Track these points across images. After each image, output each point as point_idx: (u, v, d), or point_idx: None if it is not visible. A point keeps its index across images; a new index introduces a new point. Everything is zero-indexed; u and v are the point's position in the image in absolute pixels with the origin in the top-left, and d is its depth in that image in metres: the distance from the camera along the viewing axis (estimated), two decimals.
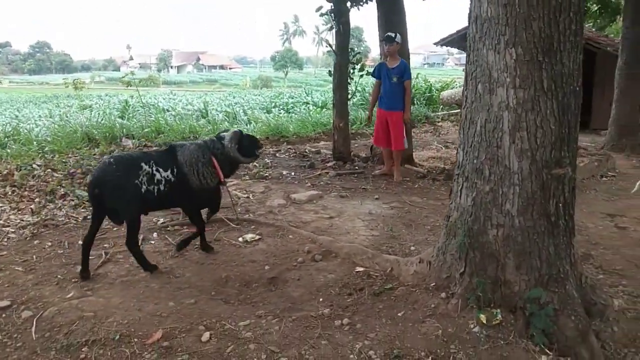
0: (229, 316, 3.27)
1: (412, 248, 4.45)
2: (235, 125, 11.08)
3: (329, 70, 7.86)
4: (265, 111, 17.28)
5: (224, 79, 69.31)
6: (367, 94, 16.18)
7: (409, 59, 7.75)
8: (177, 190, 3.94)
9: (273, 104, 20.06)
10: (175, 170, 3.90)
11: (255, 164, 7.61)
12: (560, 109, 2.77)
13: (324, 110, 15.44)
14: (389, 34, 6.78)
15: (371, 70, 8.32)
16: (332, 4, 7.22)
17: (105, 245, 4.50)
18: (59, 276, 3.87)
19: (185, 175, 3.93)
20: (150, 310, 3.34)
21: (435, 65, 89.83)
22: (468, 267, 3.07)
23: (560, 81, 2.75)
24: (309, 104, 19.71)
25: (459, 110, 15.54)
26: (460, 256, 3.13)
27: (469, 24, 3.04)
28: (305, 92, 23.53)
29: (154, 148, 7.71)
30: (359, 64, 8.05)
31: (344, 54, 7.48)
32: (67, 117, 13.66)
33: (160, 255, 4.29)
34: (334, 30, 7.44)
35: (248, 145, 4.37)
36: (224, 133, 4.29)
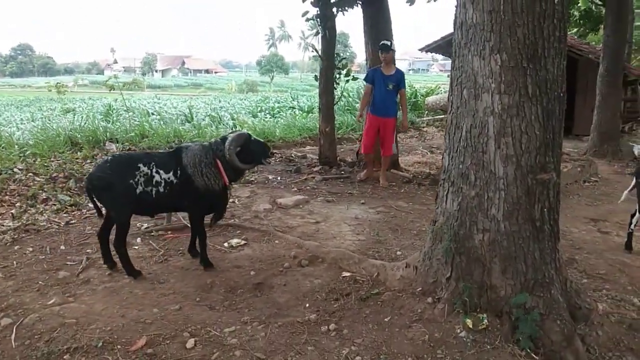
0: (214, 322, 3.24)
1: (399, 253, 4.45)
2: (222, 130, 11.01)
3: (315, 75, 7.87)
4: (251, 115, 17.25)
5: (209, 83, 68.88)
6: (351, 99, 16.28)
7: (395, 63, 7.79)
8: (182, 192, 3.87)
9: (259, 109, 20.03)
10: (179, 172, 3.82)
11: None
12: (544, 115, 2.79)
13: (310, 114, 15.47)
14: (385, 42, 6.77)
15: (357, 75, 8.38)
16: (317, 9, 7.22)
17: (87, 250, 4.44)
18: (40, 282, 3.79)
19: (190, 176, 3.84)
20: (133, 317, 3.29)
21: (420, 71, 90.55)
22: (454, 272, 3.08)
23: (545, 87, 2.77)
24: (295, 108, 19.72)
25: (443, 116, 15.67)
26: (446, 261, 3.13)
27: (454, 30, 3.06)
28: (292, 97, 23.53)
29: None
30: (345, 69, 8.06)
31: (330, 59, 7.49)
32: (49, 120, 13.51)
33: (144, 260, 4.23)
34: (319, 36, 7.45)
35: (255, 151, 4.06)
36: (231, 134, 4.07)
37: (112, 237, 3.96)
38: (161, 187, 3.79)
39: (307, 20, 7.31)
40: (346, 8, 7.52)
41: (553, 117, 2.83)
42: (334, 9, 7.40)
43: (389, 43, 6.75)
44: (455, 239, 3.06)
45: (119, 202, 3.79)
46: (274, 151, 9.25)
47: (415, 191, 6.74)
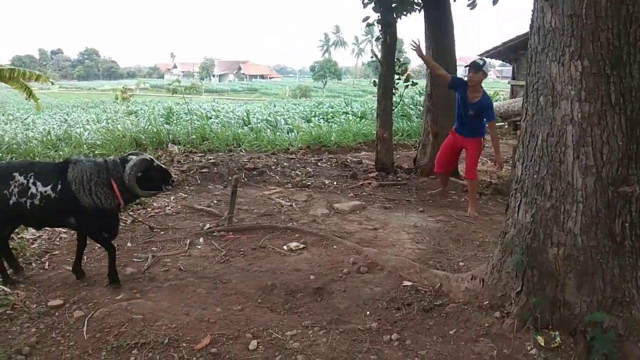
0: (275, 325, 3.25)
1: (461, 264, 4.34)
2: (278, 134, 11.16)
3: (374, 81, 7.82)
4: (305, 120, 17.37)
5: (264, 88, 70.11)
6: (406, 107, 16.06)
7: (455, 70, 7.65)
8: (65, 209, 3.63)
9: (313, 113, 20.13)
10: (59, 186, 3.58)
11: (297, 172, 7.64)
12: (628, 124, 2.64)
13: (363, 120, 15.41)
14: (477, 60, 5.83)
15: (417, 80, 8.23)
16: (379, 14, 7.18)
17: (153, 248, 4.58)
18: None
19: (73, 193, 3.57)
20: (197, 316, 3.35)
21: None
22: (525, 286, 2.96)
23: (630, 95, 2.62)
24: (348, 113, 19.69)
25: (501, 124, 15.22)
26: (517, 274, 3.01)
27: (530, 34, 2.95)
28: (345, 102, 23.51)
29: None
30: (404, 75, 7.96)
31: (389, 65, 7.43)
32: (113, 122, 14.11)
33: (206, 260, 4.33)
34: (380, 41, 7.41)
35: (156, 177, 3.85)
36: (133, 156, 3.81)
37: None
38: (36, 200, 3.56)
39: (368, 25, 7.29)
40: (405, 13, 7.43)
41: (638, 127, 2.67)
42: (394, 14, 7.33)
43: (481, 62, 5.74)
44: (527, 252, 2.94)
45: None
46: (330, 156, 9.34)
47: (477, 200, 6.55)
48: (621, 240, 2.72)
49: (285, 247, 4.62)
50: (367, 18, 7.32)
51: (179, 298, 3.63)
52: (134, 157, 3.78)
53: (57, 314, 3.40)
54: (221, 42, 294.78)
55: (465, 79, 5.89)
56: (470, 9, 7.39)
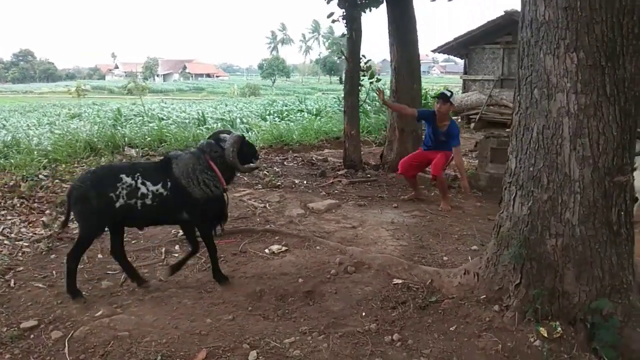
0: (271, 333, 3.13)
1: (445, 258, 4.35)
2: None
3: (340, 77, 7.77)
4: (260, 119, 17.14)
5: (211, 87, 68.81)
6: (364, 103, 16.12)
7: (419, 66, 7.73)
8: (176, 204, 3.62)
9: (267, 112, 19.90)
10: (168, 183, 3.56)
11: (265, 172, 7.49)
12: (622, 115, 2.69)
13: (319, 118, 15.35)
14: (445, 92, 6.16)
15: (381, 77, 8.24)
16: (344, 10, 7.13)
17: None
18: (84, 293, 3.68)
19: (184, 188, 3.59)
20: (187, 328, 3.18)
21: (423, 73, 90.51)
22: (524, 279, 2.97)
23: (623, 86, 2.67)
24: (303, 111, 19.60)
25: (454, 118, 15.57)
26: (515, 267, 3.02)
27: (521, 27, 2.96)
28: (299, 100, 23.43)
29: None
30: (369, 71, 7.95)
31: (355, 61, 7.40)
32: (56, 125, 13.38)
33: (187, 268, 4.12)
34: (345, 37, 7.36)
35: (247, 152, 3.92)
36: (224, 134, 3.84)
37: (128, 251, 3.83)
38: (148, 200, 3.52)
39: (333, 22, 7.22)
40: (369, 8, 7.41)
41: (630, 118, 2.73)
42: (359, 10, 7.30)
43: (449, 94, 6.02)
44: (525, 245, 2.95)
45: (88, 216, 3.52)
46: (295, 155, 9.22)
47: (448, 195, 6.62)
48: (617, 229, 2.78)
49: (267, 250, 4.48)
50: (331, 14, 7.25)
51: (165, 310, 3.43)
52: (226, 134, 3.83)
53: (32, 336, 3.14)
54: (164, 41, 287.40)
55: (434, 109, 6.14)
56: (431, 0, 7.46)
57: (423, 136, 6.80)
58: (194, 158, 3.68)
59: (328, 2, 7.22)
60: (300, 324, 3.27)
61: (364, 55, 7.53)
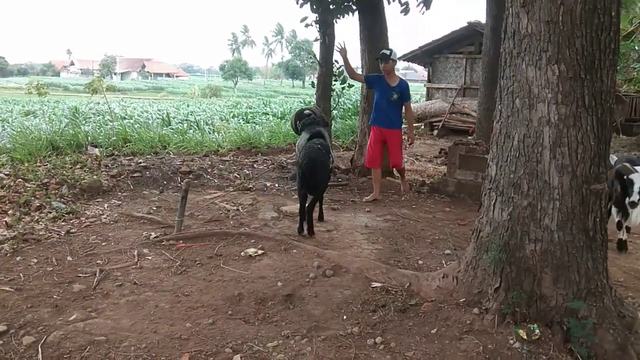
0: (254, 337, 3.10)
1: (420, 262, 4.42)
2: (204, 135, 10.75)
3: (312, 82, 7.79)
4: (224, 121, 16.96)
5: (171, 87, 67.58)
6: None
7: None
8: None
9: (231, 114, 19.74)
10: None
11: (236, 174, 7.42)
12: (599, 126, 2.82)
13: (284, 121, 15.33)
14: (385, 51, 6.50)
15: (352, 82, 8.28)
16: (317, 15, 7.16)
17: (97, 261, 4.20)
18: (55, 296, 3.56)
19: None
20: (167, 333, 3.12)
21: None
22: (503, 282, 3.06)
23: (600, 98, 2.80)
24: (268, 114, 19.56)
25: (417, 124, 15.86)
26: (494, 271, 3.11)
27: (503, 39, 3.06)
28: (263, 103, 23.34)
29: None
30: (341, 76, 7.99)
31: (328, 66, 7.44)
32: (9, 123, 12.82)
33: (162, 272, 4.04)
34: (318, 42, 7.39)
35: None
36: None
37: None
38: None
39: (307, 26, 7.22)
40: (342, 15, 7.46)
41: (605, 128, 2.86)
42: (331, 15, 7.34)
43: (388, 52, 6.45)
44: (505, 249, 3.04)
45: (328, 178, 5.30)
46: (264, 158, 9.17)
47: (416, 199, 6.75)
48: (594, 235, 2.90)
49: (243, 253, 4.44)
50: (305, 18, 7.26)
51: (141, 315, 3.35)
52: None
53: (1, 342, 2.99)
54: (122, 38, 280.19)
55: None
56: (404, 14, 7.59)
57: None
58: None
59: (301, 7, 7.23)
60: (282, 327, 3.25)
61: (336, 61, 7.58)
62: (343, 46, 6.50)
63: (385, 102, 6.47)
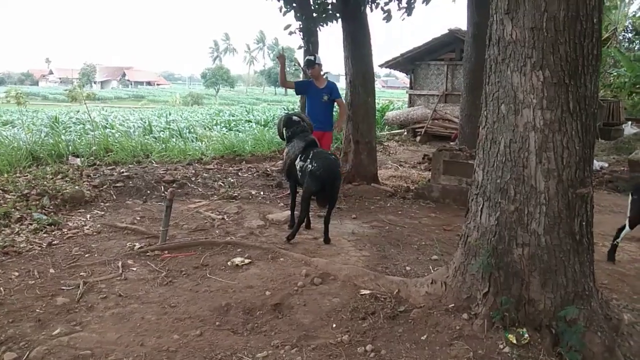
0: (243, 347, 3.06)
1: (408, 268, 4.42)
2: (187, 143, 10.65)
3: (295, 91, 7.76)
4: (207, 129, 16.84)
5: (152, 95, 67.00)
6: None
7: (373, 80, 7.87)
8: None
9: (214, 122, 19.60)
10: None
11: (220, 183, 7.37)
12: (583, 130, 2.85)
13: (267, 128, 15.28)
14: (309, 57, 6.79)
15: None
16: (300, 23, 7.17)
17: (81, 273, 4.11)
18: (37, 310, 3.47)
19: None
20: (154, 345, 3.06)
21: None
22: (492, 287, 3.07)
23: (584, 103, 2.84)
24: (251, 122, 19.46)
25: (400, 131, 15.99)
26: (483, 276, 3.12)
27: (488, 45, 3.08)
28: (246, 110, 23.24)
29: None
30: None
31: None
32: None
33: (147, 283, 3.97)
34: (302, 49, 7.40)
35: None
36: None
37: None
38: None
39: (290, 34, 7.23)
40: (326, 23, 7.50)
41: (589, 133, 2.90)
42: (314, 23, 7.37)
43: (312, 58, 6.72)
44: (493, 254, 3.05)
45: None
46: (249, 166, 9.12)
47: (402, 205, 6.77)
48: (580, 238, 2.93)
49: (229, 263, 4.39)
50: (288, 26, 7.27)
51: (128, 327, 3.28)
52: None
53: None
54: (102, 47, 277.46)
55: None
56: (386, 22, 7.65)
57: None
58: None
59: (284, 14, 7.24)
60: (272, 337, 3.22)
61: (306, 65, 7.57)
62: (282, 53, 6.76)
63: (317, 105, 6.69)
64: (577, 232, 2.91)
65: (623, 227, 4.81)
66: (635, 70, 15.27)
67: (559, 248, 2.91)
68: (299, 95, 7.53)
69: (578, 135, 2.84)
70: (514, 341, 2.90)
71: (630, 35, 21.91)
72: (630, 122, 15.37)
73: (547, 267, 2.94)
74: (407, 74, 17.13)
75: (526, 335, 2.93)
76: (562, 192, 2.87)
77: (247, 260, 4.43)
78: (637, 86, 16.23)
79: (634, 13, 22.54)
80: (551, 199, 2.88)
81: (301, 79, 7.38)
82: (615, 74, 16.70)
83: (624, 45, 21.34)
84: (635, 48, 20.72)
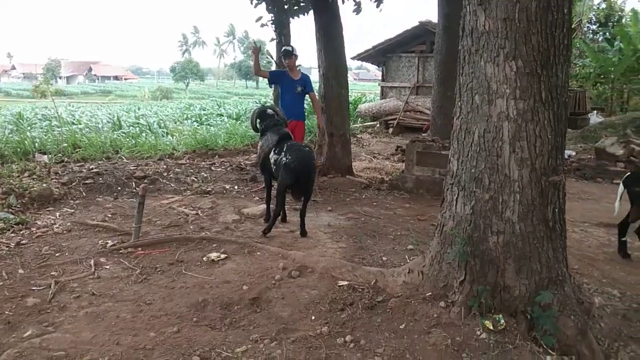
0: (221, 343, 3.03)
1: (384, 258, 4.45)
2: (158, 138, 10.47)
3: (268, 81, 7.70)
4: (177, 123, 16.59)
5: (120, 90, 65.60)
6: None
7: (346, 72, 7.87)
8: None
9: (185, 116, 19.33)
10: None
11: (193, 178, 7.27)
12: (555, 119, 2.91)
13: (239, 122, 15.16)
14: (287, 47, 6.80)
15: None
16: (272, 15, 7.10)
17: (52, 273, 4.00)
18: (7, 312, 3.36)
19: None
20: (130, 344, 3.00)
21: None
22: (468, 275, 3.11)
23: (556, 93, 2.89)
24: (222, 115, 19.27)
25: (373, 123, 16.06)
26: (459, 264, 3.16)
27: (461, 36, 3.10)
28: (217, 104, 22.98)
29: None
30: None
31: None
32: None
33: (121, 281, 3.89)
34: (275, 42, 7.33)
35: None
36: None
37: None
38: None
39: (262, 26, 7.16)
40: (298, 14, 7.44)
41: (561, 122, 2.95)
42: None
43: (290, 48, 6.75)
44: (469, 242, 3.09)
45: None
46: (222, 160, 9.02)
47: (376, 196, 6.81)
48: (553, 225, 2.99)
49: (205, 258, 4.34)
50: (260, 18, 7.20)
51: (102, 326, 3.21)
52: None
53: None
54: (67, 41, 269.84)
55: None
56: (356, 14, 7.64)
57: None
58: None
59: (255, 7, 7.16)
60: (250, 332, 3.19)
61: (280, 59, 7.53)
62: (255, 45, 6.74)
63: (290, 96, 6.73)
64: (550, 219, 2.97)
65: (625, 223, 4.66)
66: (599, 60, 15.71)
67: (533, 235, 2.97)
68: (272, 87, 7.46)
69: (550, 124, 2.89)
70: (491, 327, 2.95)
71: (594, 26, 22.49)
72: (595, 112, 15.78)
73: (522, 254, 2.99)
74: (378, 67, 17.19)
75: (502, 321, 2.98)
76: (536, 180, 2.92)
77: (223, 255, 4.39)
78: (602, 76, 16.72)
79: (598, 5, 23.13)
80: (525, 187, 2.93)
81: (274, 69, 7.33)
82: (580, 64, 17.14)
83: (588, 37, 21.92)
84: (600, 39, 21.31)
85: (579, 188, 7.80)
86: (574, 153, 10.40)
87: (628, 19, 18.87)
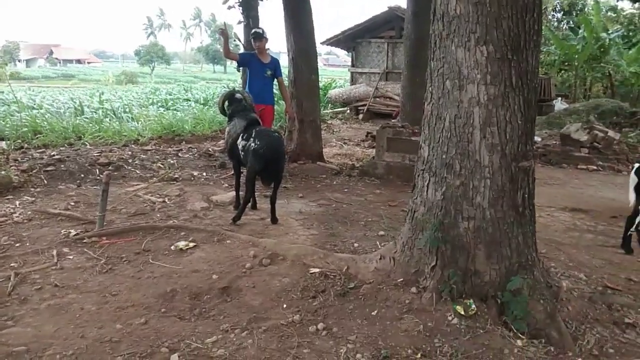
0: (191, 334, 2.96)
1: (356, 245, 4.44)
2: (123, 124, 10.19)
3: (237, 63, 7.54)
4: (143, 108, 16.19)
5: (82, 74, 63.58)
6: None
7: (316, 57, 7.78)
8: None
9: (150, 101, 18.88)
10: None
11: (159, 164, 7.10)
12: (525, 105, 2.91)
13: (207, 107, 14.90)
14: (257, 30, 6.70)
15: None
16: None
17: (11, 264, 3.84)
18: None
19: None
20: (95, 336, 2.90)
21: None
22: (439, 261, 3.12)
23: (526, 78, 2.89)
24: (189, 100, 18.91)
25: (343, 109, 16.03)
26: (430, 250, 3.16)
27: (433, 20, 3.07)
28: (184, 89, 22.53)
29: None
30: None
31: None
32: None
33: (85, 271, 3.77)
34: (242, 24, 7.17)
35: None
36: None
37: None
38: None
39: (229, 8, 6.99)
40: None
41: (531, 108, 2.96)
42: None
43: (261, 31, 6.66)
44: (440, 228, 3.09)
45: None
46: (189, 146, 8.84)
47: (347, 182, 6.79)
48: (523, 210, 3.01)
49: (173, 247, 4.24)
50: (227, 0, 7.01)
51: (66, 319, 3.09)
52: None
53: None
54: (25, 23, 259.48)
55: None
56: None
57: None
58: None
59: None
60: (220, 321, 3.13)
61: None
62: (224, 28, 6.59)
63: (259, 79, 6.61)
64: (520, 204, 3.00)
65: (635, 215, 4.43)
66: (564, 48, 16.04)
67: (503, 220, 2.99)
68: (239, 71, 7.31)
69: (520, 109, 2.90)
70: (462, 312, 2.97)
71: (559, 14, 22.90)
72: (560, 98, 16.13)
73: (492, 240, 3.01)
74: (348, 52, 17.12)
75: (473, 306, 3.00)
76: (506, 166, 2.93)
77: (191, 244, 4.29)
78: (566, 64, 17.08)
79: None
80: (495, 173, 2.94)
81: (242, 52, 7.23)
82: (545, 51, 17.45)
83: (553, 25, 22.31)
84: (564, 27, 21.73)
85: (545, 173, 7.96)
86: (539, 139, 10.61)
87: (590, 8, 19.30)
